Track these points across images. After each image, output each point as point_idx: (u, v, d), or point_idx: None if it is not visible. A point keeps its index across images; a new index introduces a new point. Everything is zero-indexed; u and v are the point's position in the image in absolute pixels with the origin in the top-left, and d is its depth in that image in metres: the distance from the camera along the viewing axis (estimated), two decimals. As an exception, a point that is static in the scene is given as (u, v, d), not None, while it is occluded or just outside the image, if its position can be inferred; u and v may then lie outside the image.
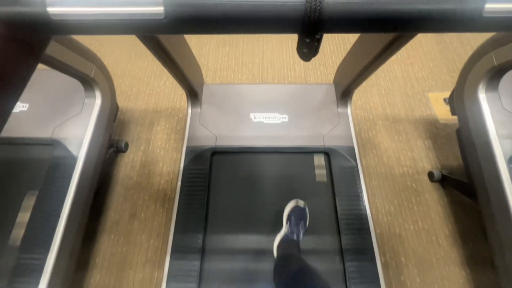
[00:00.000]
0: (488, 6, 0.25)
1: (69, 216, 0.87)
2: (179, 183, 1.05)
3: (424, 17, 0.25)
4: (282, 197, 1.01)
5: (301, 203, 0.97)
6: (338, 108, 1.18)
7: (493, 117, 0.88)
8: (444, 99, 1.45)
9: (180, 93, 1.49)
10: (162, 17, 0.26)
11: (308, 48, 0.29)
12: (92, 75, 0.95)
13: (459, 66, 1.55)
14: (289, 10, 0.26)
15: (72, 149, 0.96)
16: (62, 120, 1.00)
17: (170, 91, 1.50)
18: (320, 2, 0.25)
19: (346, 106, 1.18)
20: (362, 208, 1.01)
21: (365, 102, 1.46)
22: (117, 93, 1.47)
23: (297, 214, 0.93)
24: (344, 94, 1.14)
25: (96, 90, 1.01)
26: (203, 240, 0.93)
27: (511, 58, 0.80)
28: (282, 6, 0.25)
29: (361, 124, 1.39)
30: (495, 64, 0.84)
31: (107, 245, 1.11)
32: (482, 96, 0.90)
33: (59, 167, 0.94)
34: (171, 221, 1.00)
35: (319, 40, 0.30)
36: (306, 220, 0.95)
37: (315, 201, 1.02)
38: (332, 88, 1.25)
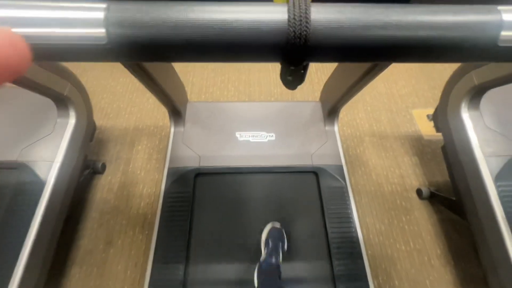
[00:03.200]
0: (504, 34, 0.22)
1: (33, 249, 0.78)
2: (159, 208, 0.97)
3: (430, 46, 0.22)
4: (271, 220, 0.96)
5: (276, 224, 0.93)
6: (325, 126, 1.17)
7: (477, 135, 0.89)
8: (428, 116, 1.47)
9: (163, 111, 1.43)
10: (104, 42, 0.21)
11: (293, 75, 0.25)
12: (66, 93, 0.89)
13: (440, 83, 1.60)
14: (268, 35, 0.21)
15: (40, 173, 0.88)
16: (30, 141, 0.92)
17: (153, 108, 1.45)
18: (306, 26, 0.20)
19: (333, 124, 1.17)
20: (353, 229, 0.97)
21: (351, 118, 1.46)
22: (96, 110, 1.40)
23: (274, 237, 0.89)
24: (331, 112, 1.13)
25: (70, 109, 0.95)
26: (184, 272, 0.86)
27: (490, 78, 0.82)
28: (259, 31, 0.21)
29: (349, 141, 1.38)
30: (476, 83, 0.86)
31: (78, 278, 1.00)
32: (465, 114, 0.92)
33: (24, 193, 0.85)
34: (150, 249, 0.92)
35: (305, 67, 0.26)
36: (284, 240, 0.91)
37: (304, 222, 0.98)
38: (319, 105, 1.24)
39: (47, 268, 0.85)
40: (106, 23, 0.21)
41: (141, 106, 1.45)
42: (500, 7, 0.22)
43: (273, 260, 0.82)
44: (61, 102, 0.92)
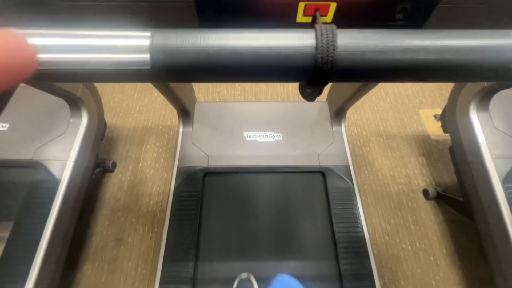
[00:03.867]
0: None
1: (49, 246, 0.80)
2: (169, 206, 0.99)
3: (447, 68, 0.23)
4: (278, 220, 0.97)
5: (244, 275, 0.87)
6: (332, 126, 1.17)
7: (486, 136, 0.89)
8: (435, 116, 1.47)
9: (171, 110, 1.45)
10: (148, 66, 0.22)
11: (313, 89, 0.26)
12: (78, 94, 0.91)
13: (447, 84, 1.59)
14: (297, 61, 0.22)
15: (55, 171, 0.90)
16: (45, 140, 0.95)
17: (161, 107, 1.47)
18: (332, 53, 0.21)
19: (340, 125, 1.17)
20: (359, 228, 0.98)
21: (358, 118, 1.46)
22: (106, 109, 1.43)
23: None
24: (338, 112, 1.13)
25: (82, 110, 0.97)
26: (194, 269, 0.88)
27: (500, 79, 0.81)
28: (288, 57, 0.22)
29: (355, 141, 1.38)
30: (486, 85, 0.85)
31: (90, 274, 1.03)
32: (474, 116, 0.91)
33: (39, 191, 0.87)
34: (160, 246, 0.94)
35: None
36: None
37: (310, 222, 0.99)
38: (326, 106, 1.24)
39: (62, 265, 0.87)
40: (151, 49, 0.22)
41: (150, 105, 1.47)
42: None
43: None
44: (74, 103, 0.94)
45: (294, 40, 0.22)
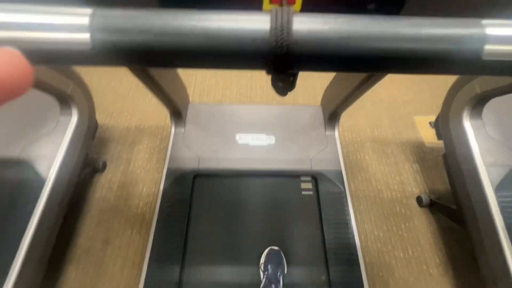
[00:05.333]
0: (488, 47, 0.22)
1: (31, 245, 0.78)
2: (157, 208, 0.98)
3: (413, 58, 0.22)
4: (268, 225, 0.95)
5: (274, 248, 0.91)
6: (325, 130, 1.17)
7: (479, 144, 0.88)
8: (430, 123, 1.47)
9: (165, 111, 1.43)
10: (88, 47, 0.21)
11: (283, 82, 0.25)
12: (69, 92, 0.90)
13: (442, 91, 1.58)
14: (251, 44, 0.21)
15: (41, 169, 0.88)
16: (32, 137, 0.93)
17: (155, 108, 1.45)
18: (287, 36, 0.20)
19: (334, 129, 1.17)
20: (351, 235, 0.96)
21: (352, 123, 1.45)
22: (99, 110, 1.41)
23: (273, 261, 0.87)
24: (332, 116, 1.13)
25: (72, 107, 0.96)
26: (180, 273, 0.85)
27: (493, 86, 0.81)
28: (242, 39, 0.21)
29: (349, 146, 1.37)
30: (478, 92, 0.85)
31: (74, 277, 1.00)
32: (467, 123, 0.91)
33: (24, 189, 0.86)
34: (146, 249, 0.92)
35: (294, 75, 0.26)
36: (284, 264, 0.89)
37: (301, 227, 0.97)
38: (320, 110, 1.24)
39: (45, 266, 0.85)
40: (91, 28, 0.21)
41: (143, 106, 1.46)
42: (484, 21, 0.22)
43: (273, 286, 0.80)
44: (64, 100, 0.93)
45: (249, 23, 0.21)
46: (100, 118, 1.39)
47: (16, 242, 0.77)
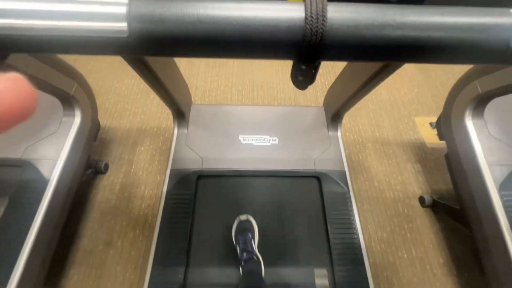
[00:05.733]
0: None
1: (33, 247, 0.77)
2: (161, 210, 0.97)
3: (443, 47, 0.22)
4: (273, 225, 0.95)
5: (243, 217, 0.94)
6: (328, 131, 1.17)
7: (481, 143, 0.89)
8: (430, 123, 1.48)
9: (167, 112, 1.44)
10: (125, 35, 0.21)
11: (304, 75, 0.25)
12: (72, 93, 0.90)
13: (442, 92, 1.60)
14: (285, 32, 0.21)
15: (44, 171, 0.88)
16: (35, 139, 0.93)
17: (157, 109, 1.45)
18: (322, 24, 0.21)
19: (336, 130, 1.17)
20: (355, 235, 0.96)
21: (354, 124, 1.46)
22: (101, 111, 1.41)
23: (243, 231, 0.89)
24: (334, 117, 1.13)
25: (76, 109, 0.95)
26: (184, 275, 0.85)
27: (495, 86, 0.82)
28: (276, 28, 0.21)
29: (351, 147, 1.38)
30: (480, 92, 0.86)
31: (76, 279, 0.99)
32: (469, 122, 0.91)
33: (26, 191, 0.85)
34: (150, 251, 0.91)
35: (316, 67, 0.26)
36: (254, 231, 0.91)
37: (305, 227, 0.97)
38: (322, 110, 1.24)
39: (47, 268, 0.84)
40: (128, 17, 0.21)
41: (145, 107, 1.46)
42: None
43: (245, 256, 0.83)
44: (67, 102, 0.92)
45: (283, 12, 0.22)
46: (102, 119, 1.39)
47: (19, 243, 0.76)
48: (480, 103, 0.90)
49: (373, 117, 1.49)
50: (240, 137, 1.13)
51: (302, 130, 1.17)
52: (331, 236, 0.94)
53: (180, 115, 1.09)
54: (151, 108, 1.46)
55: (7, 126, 0.16)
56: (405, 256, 1.09)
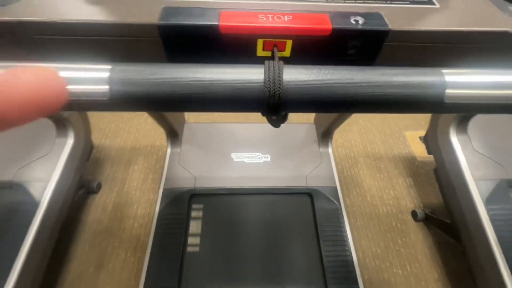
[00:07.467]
0: (448, 92, 0.26)
1: (22, 271, 0.76)
2: (152, 230, 0.96)
3: (386, 101, 0.25)
4: (266, 243, 0.95)
5: None
6: (319, 147, 1.19)
7: (467, 158, 0.91)
8: (420, 138, 1.51)
9: (161, 131, 1.45)
10: (107, 97, 0.24)
11: (277, 116, 0.28)
12: (65, 115, 0.92)
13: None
14: (250, 94, 0.25)
15: (34, 193, 0.88)
16: (27, 161, 0.93)
17: (151, 128, 1.47)
18: (279, 87, 0.24)
19: (327, 146, 1.19)
20: (348, 252, 0.96)
21: (346, 140, 1.49)
22: (95, 130, 1.42)
23: None
24: (325, 134, 1.16)
25: (69, 129, 0.96)
26: (176, 297, 0.83)
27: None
28: (240, 90, 0.24)
29: (343, 162, 1.40)
30: None
31: (65, 304, 0.97)
32: (454, 138, 0.94)
33: (16, 214, 0.84)
34: (141, 272, 0.90)
35: (285, 114, 0.30)
36: None
37: (298, 245, 0.97)
38: (313, 127, 1.27)
39: (35, 293, 0.82)
40: (110, 81, 0.24)
41: (139, 126, 1.47)
42: (444, 70, 0.26)
43: None
44: (61, 123, 0.94)
45: (246, 75, 0.25)
46: (96, 138, 1.40)
47: (7, 267, 0.75)
48: (463, 120, 0.93)
49: (364, 133, 1.52)
50: (233, 155, 1.14)
51: (294, 147, 1.19)
52: (324, 253, 0.94)
53: (173, 134, 1.11)
54: (145, 126, 1.48)
55: (35, 116, 0.18)
56: (400, 272, 1.08)
